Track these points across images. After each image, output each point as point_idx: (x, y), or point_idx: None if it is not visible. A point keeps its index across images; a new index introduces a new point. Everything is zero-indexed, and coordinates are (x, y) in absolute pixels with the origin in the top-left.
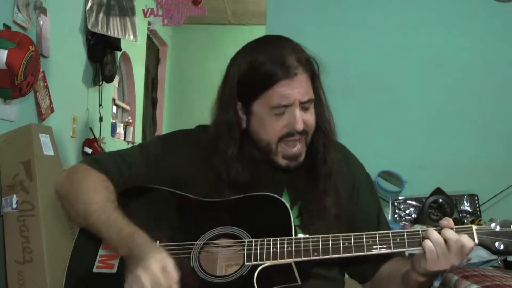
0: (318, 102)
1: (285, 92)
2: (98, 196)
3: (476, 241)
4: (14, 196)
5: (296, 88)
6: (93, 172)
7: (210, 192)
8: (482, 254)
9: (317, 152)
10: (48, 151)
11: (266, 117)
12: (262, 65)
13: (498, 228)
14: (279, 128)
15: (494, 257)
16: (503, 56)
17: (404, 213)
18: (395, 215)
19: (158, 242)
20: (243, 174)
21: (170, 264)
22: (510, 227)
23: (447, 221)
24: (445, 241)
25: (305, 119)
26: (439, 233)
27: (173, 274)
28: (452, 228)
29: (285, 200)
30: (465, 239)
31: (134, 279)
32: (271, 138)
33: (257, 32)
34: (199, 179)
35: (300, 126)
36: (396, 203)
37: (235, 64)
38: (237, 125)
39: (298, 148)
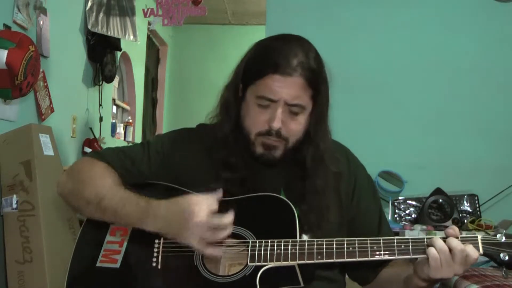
0: (316, 115)
1: (274, 86)
2: (107, 181)
3: (481, 251)
4: (14, 196)
5: (286, 88)
6: (97, 162)
7: (210, 182)
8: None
9: (306, 167)
10: (48, 151)
11: (252, 106)
12: (266, 54)
13: (503, 239)
14: (260, 122)
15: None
16: (503, 56)
17: (404, 213)
18: (395, 215)
19: (162, 238)
20: (234, 155)
21: (200, 197)
22: None
23: (453, 229)
24: (450, 250)
25: (287, 123)
26: (444, 241)
27: (211, 198)
28: (457, 237)
29: None
30: (470, 249)
31: (189, 225)
32: (251, 129)
33: (257, 32)
34: (200, 177)
35: (276, 125)
36: (396, 203)
37: (252, 48)
38: (234, 105)
39: (274, 144)
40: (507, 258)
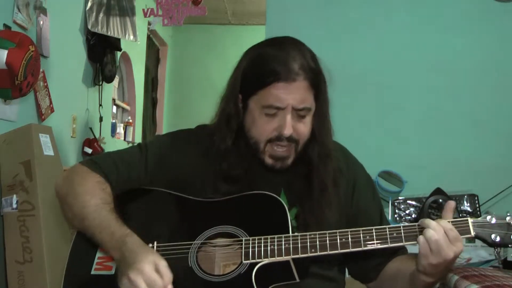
0: (319, 114)
1: (280, 94)
2: (94, 199)
3: (472, 233)
4: (14, 196)
5: (292, 94)
6: (91, 175)
7: (208, 190)
8: (482, 254)
9: (312, 164)
10: (48, 151)
11: (258, 115)
12: (264, 63)
13: (493, 220)
14: (269, 130)
15: (494, 257)
16: (503, 56)
17: (404, 213)
18: (395, 215)
19: (156, 242)
20: (236, 167)
21: (163, 264)
22: (505, 219)
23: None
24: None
25: (297, 127)
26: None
27: (167, 273)
28: (448, 221)
29: (283, 200)
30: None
31: (130, 282)
32: (260, 138)
33: (257, 32)
34: (198, 179)
35: (288, 132)
36: (396, 203)
37: (245, 56)
38: (236, 117)
39: (285, 151)
40: (498, 239)
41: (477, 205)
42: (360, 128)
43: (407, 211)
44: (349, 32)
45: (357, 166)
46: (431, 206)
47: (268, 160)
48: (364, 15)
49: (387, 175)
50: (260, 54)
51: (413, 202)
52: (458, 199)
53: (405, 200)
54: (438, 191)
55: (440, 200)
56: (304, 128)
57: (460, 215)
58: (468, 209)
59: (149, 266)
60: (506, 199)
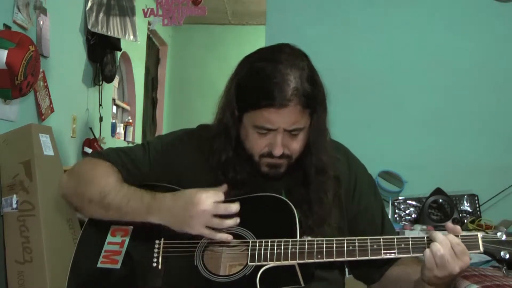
0: (315, 128)
1: (271, 118)
2: (110, 179)
3: (481, 249)
4: (14, 196)
5: (283, 118)
6: (100, 161)
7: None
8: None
9: (308, 177)
10: (48, 151)
11: (250, 131)
12: (257, 84)
13: (504, 237)
14: (261, 146)
15: None
16: (503, 56)
17: (404, 213)
18: (395, 215)
19: (162, 239)
20: (240, 173)
21: (204, 189)
22: None
23: (454, 227)
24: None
25: (288, 144)
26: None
27: (213, 191)
28: (457, 236)
29: None
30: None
31: (195, 212)
32: (253, 152)
33: (257, 32)
34: (199, 179)
35: (278, 152)
36: (396, 203)
37: (242, 67)
38: (234, 127)
39: (278, 162)
40: (507, 256)
41: (477, 205)
42: (360, 128)
43: (407, 211)
44: (349, 32)
45: (359, 166)
46: (431, 206)
47: (264, 169)
48: (364, 15)
49: (387, 175)
50: (256, 71)
51: (413, 202)
52: (458, 199)
53: (405, 200)
54: (438, 191)
55: (440, 200)
56: (296, 144)
57: (460, 215)
58: (468, 209)
59: (200, 193)
60: (506, 199)
